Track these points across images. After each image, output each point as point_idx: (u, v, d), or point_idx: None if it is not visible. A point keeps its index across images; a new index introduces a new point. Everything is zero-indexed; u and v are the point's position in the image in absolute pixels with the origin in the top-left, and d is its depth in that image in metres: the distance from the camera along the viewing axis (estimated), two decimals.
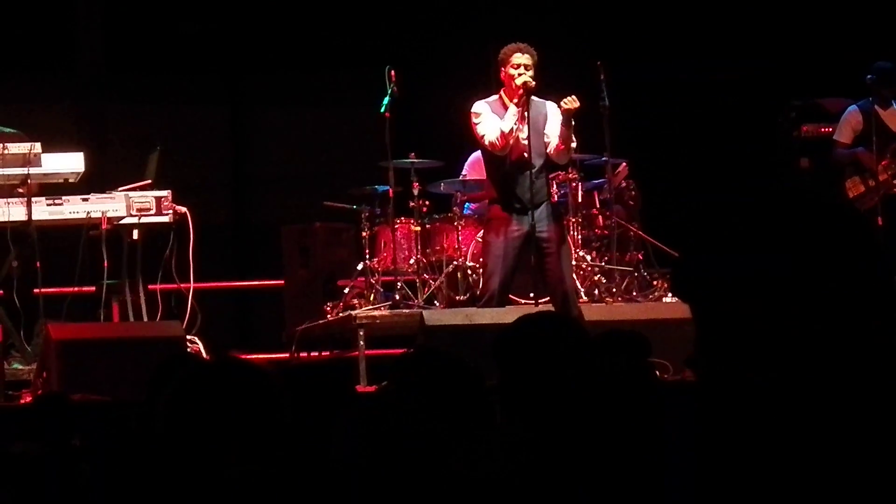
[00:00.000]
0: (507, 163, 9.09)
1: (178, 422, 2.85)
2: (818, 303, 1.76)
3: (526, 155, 9.04)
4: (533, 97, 9.11)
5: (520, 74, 8.99)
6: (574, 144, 9.17)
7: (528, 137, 9.04)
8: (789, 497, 1.76)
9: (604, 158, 10.67)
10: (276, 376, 2.99)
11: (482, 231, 9.74)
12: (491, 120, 9.08)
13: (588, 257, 10.61)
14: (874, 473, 1.74)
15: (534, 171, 9.03)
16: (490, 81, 9.58)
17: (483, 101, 9.19)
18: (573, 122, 9.01)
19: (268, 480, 2.76)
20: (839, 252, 1.77)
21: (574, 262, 10.33)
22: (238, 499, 2.73)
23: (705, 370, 1.81)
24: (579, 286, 10.26)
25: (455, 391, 3.56)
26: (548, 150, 9.12)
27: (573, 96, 8.96)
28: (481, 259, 9.71)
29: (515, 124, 9.02)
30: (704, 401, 1.80)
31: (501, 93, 9.16)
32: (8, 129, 9.67)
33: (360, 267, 10.68)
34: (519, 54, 9.04)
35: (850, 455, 1.75)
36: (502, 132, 8.99)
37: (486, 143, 9.08)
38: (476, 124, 9.12)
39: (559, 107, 9.03)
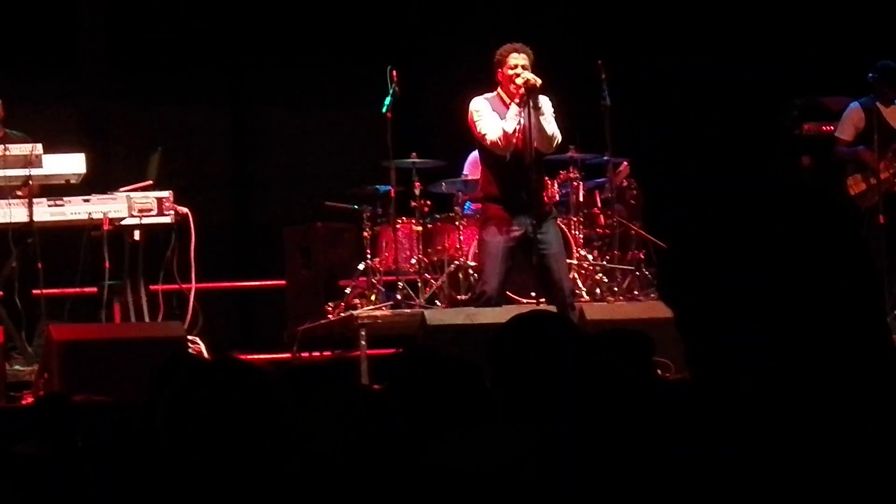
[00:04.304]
0: (506, 162, 9.05)
1: (179, 422, 2.85)
2: (809, 303, 1.75)
3: (525, 154, 9.01)
4: None
5: (517, 75, 8.97)
6: (554, 132, 9.06)
7: (526, 136, 8.99)
8: (786, 495, 1.76)
9: (605, 157, 10.66)
10: (277, 376, 2.98)
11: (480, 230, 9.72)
12: (491, 118, 9.04)
13: (590, 256, 10.61)
14: (870, 474, 1.74)
15: (532, 170, 8.99)
16: (491, 81, 9.57)
17: (481, 97, 9.15)
18: (539, 106, 8.94)
19: (266, 480, 2.75)
20: (829, 250, 1.77)
21: (575, 261, 10.34)
22: (237, 499, 2.72)
23: (696, 373, 1.81)
24: (581, 284, 10.27)
25: (453, 388, 3.55)
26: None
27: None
28: (478, 258, 9.70)
29: (518, 124, 8.99)
30: (699, 402, 1.80)
31: (500, 90, 9.14)
32: (17, 133, 9.70)
33: (361, 267, 10.67)
34: (515, 54, 9.02)
35: (845, 457, 1.74)
36: (505, 132, 8.96)
37: (488, 142, 9.05)
38: (476, 122, 9.09)
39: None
